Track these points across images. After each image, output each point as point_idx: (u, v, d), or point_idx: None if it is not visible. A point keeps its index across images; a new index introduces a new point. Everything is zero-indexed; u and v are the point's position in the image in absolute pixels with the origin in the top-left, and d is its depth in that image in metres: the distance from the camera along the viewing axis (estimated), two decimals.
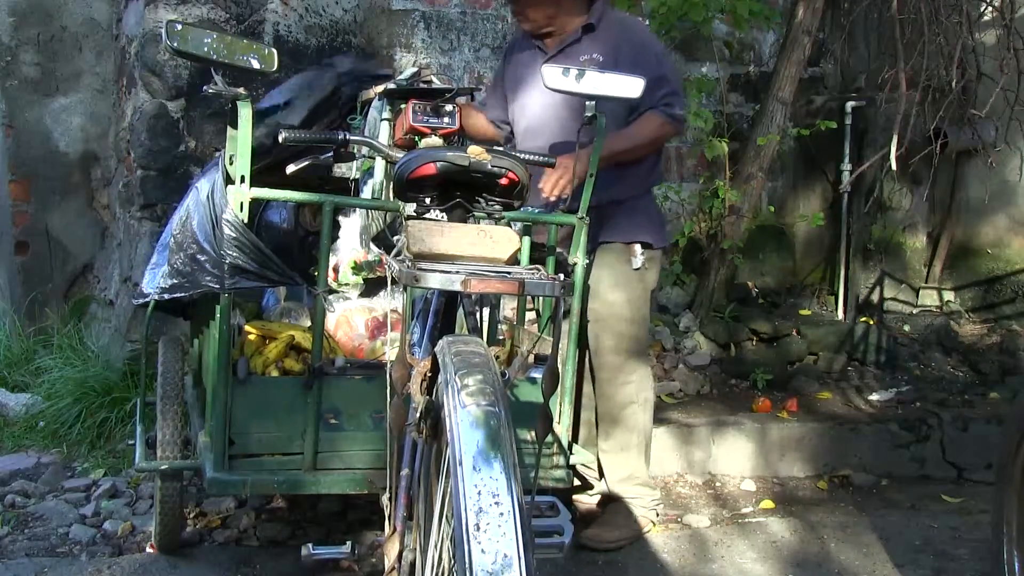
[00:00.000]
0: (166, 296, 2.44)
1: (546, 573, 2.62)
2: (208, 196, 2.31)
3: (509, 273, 1.60)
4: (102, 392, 3.72)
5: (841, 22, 4.81)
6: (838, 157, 4.96)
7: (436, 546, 1.54)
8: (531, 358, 2.70)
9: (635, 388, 2.93)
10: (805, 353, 4.39)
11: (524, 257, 2.59)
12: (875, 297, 4.99)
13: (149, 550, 2.77)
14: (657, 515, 3.03)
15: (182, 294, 2.37)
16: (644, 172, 2.98)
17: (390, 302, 2.68)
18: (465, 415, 1.36)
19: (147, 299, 2.57)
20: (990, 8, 4.29)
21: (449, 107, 2.42)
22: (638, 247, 2.93)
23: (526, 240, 2.61)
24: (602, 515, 2.97)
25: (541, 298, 2.71)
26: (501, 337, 2.84)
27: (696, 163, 4.80)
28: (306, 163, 2.44)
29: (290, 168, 2.44)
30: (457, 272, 1.53)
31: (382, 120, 2.66)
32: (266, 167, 2.58)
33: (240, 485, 2.33)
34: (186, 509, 2.91)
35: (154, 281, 2.55)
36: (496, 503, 1.28)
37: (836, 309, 4.92)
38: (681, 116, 2.94)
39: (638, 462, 2.96)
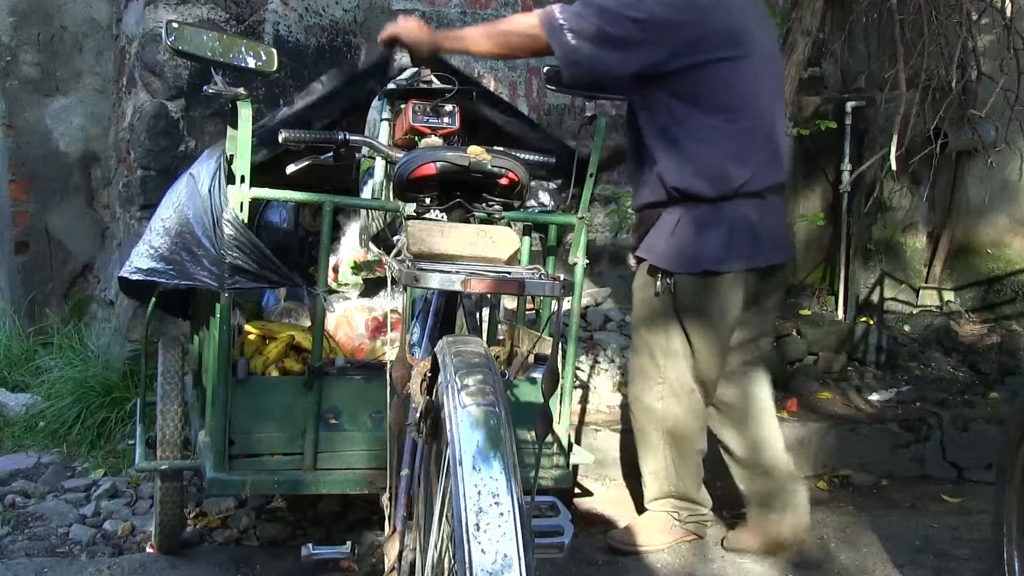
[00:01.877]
0: (137, 277, 2.41)
1: (546, 573, 2.62)
2: (209, 191, 2.31)
3: (509, 273, 1.60)
4: (102, 392, 3.72)
5: (841, 22, 4.81)
6: (838, 157, 4.95)
7: (436, 546, 1.54)
8: (531, 358, 2.70)
9: (642, 412, 2.78)
10: (805, 353, 4.39)
11: (524, 257, 2.59)
12: (875, 297, 5.00)
13: (149, 550, 2.77)
14: (704, 527, 2.91)
15: (165, 280, 2.36)
16: (664, 172, 2.57)
17: (390, 302, 2.68)
18: (465, 415, 1.36)
19: (122, 276, 2.54)
20: (990, 8, 4.29)
21: (449, 107, 2.42)
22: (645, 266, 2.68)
23: (526, 240, 2.61)
24: (638, 520, 2.92)
25: (541, 298, 2.71)
26: (501, 337, 2.84)
27: None
28: (306, 163, 2.44)
29: (290, 168, 2.44)
30: (457, 272, 1.53)
31: (382, 120, 2.66)
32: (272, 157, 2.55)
33: (240, 485, 2.33)
34: (186, 509, 2.91)
35: (130, 260, 2.52)
36: (496, 503, 1.28)
37: (836, 309, 4.92)
38: (551, 19, 2.40)
39: (661, 483, 2.81)
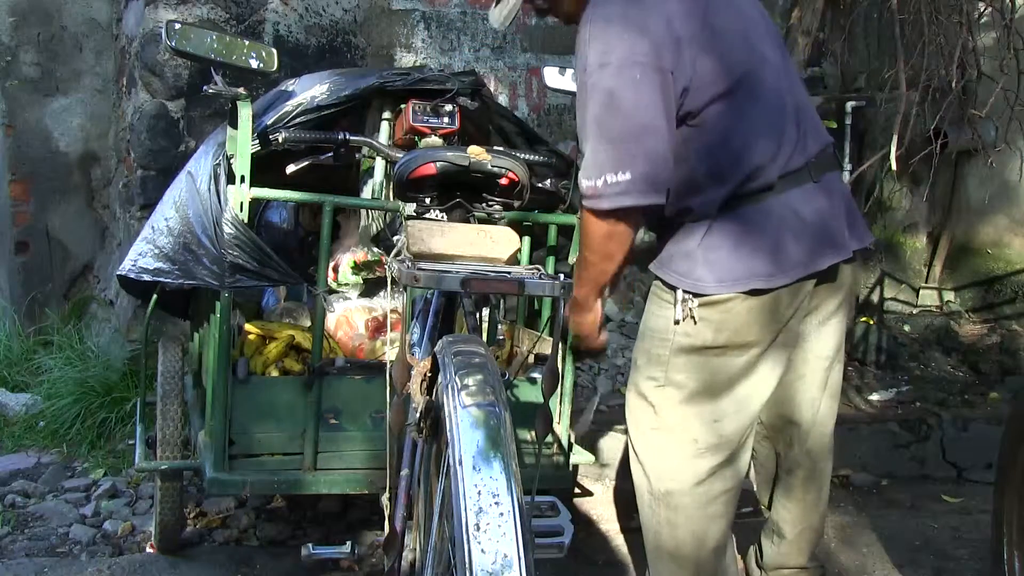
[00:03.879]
0: (145, 278, 2.42)
1: (546, 573, 2.62)
2: (208, 190, 2.31)
3: (509, 273, 1.60)
4: (102, 392, 3.72)
5: (841, 22, 4.81)
6: (838, 157, 4.95)
7: (436, 546, 1.54)
8: (531, 358, 2.70)
9: (638, 476, 2.07)
10: None
11: (524, 257, 2.59)
12: (875, 297, 4.99)
13: (149, 550, 2.77)
14: None
15: (169, 280, 2.36)
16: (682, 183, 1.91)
17: (390, 302, 2.68)
18: (465, 415, 1.36)
19: (125, 274, 2.53)
20: (990, 8, 4.29)
21: (449, 107, 2.43)
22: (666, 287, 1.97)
23: (526, 240, 2.61)
24: None
25: (541, 298, 2.71)
26: (501, 337, 2.83)
27: None
28: (306, 163, 2.44)
29: (290, 168, 2.44)
30: (457, 272, 1.53)
31: (382, 120, 2.66)
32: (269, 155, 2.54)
33: (240, 485, 2.33)
34: (186, 509, 2.91)
35: (133, 258, 2.51)
36: (496, 503, 1.28)
37: None
38: (592, 192, 1.81)
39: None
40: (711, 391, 1.95)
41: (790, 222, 1.92)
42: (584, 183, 1.82)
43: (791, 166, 1.93)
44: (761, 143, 1.90)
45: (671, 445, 1.97)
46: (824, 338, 2.13)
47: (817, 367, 2.14)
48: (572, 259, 2.61)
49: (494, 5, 2.03)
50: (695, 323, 1.91)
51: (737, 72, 1.88)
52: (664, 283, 1.96)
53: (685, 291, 1.91)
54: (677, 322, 1.92)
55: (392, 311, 2.62)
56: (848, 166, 4.90)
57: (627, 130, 1.79)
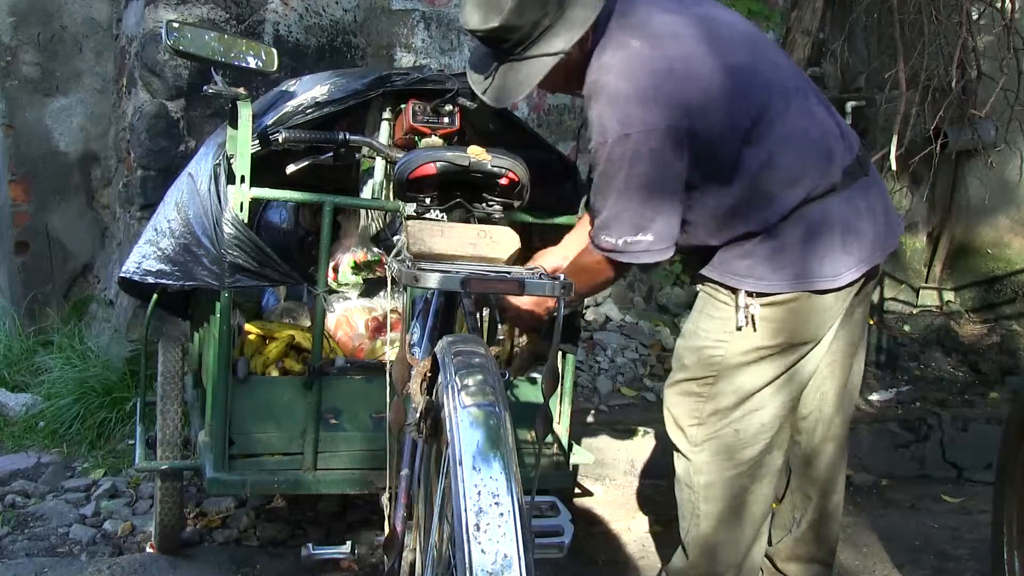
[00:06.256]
0: (149, 280, 2.42)
1: (546, 573, 2.62)
2: (208, 191, 2.31)
3: (509, 273, 1.60)
4: (102, 392, 3.72)
5: (841, 22, 4.81)
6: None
7: (436, 546, 1.54)
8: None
9: (680, 468, 2.11)
10: None
11: None
12: (875, 297, 5.00)
13: (149, 550, 2.77)
14: None
15: (170, 282, 2.36)
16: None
17: (390, 302, 2.68)
18: (465, 415, 1.36)
19: (128, 276, 2.53)
20: (990, 8, 4.29)
21: (449, 107, 2.43)
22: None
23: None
24: None
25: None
26: (501, 337, 2.83)
27: None
28: (306, 163, 2.44)
29: (290, 168, 2.44)
30: (457, 272, 1.53)
31: (382, 120, 2.66)
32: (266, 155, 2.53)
33: (240, 485, 2.33)
34: (186, 509, 2.91)
35: (136, 260, 2.51)
36: (496, 503, 1.28)
37: None
38: (610, 247, 1.90)
39: (683, 556, 2.13)
40: (758, 386, 1.99)
41: (852, 219, 1.94)
42: (606, 239, 1.90)
43: (845, 162, 1.96)
44: (812, 157, 1.93)
45: (713, 437, 2.02)
46: (852, 326, 2.13)
47: (847, 354, 2.16)
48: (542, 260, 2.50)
49: (483, 78, 1.97)
50: (755, 329, 1.93)
51: (762, 102, 1.91)
52: (722, 285, 1.97)
53: (748, 292, 1.92)
54: (739, 328, 1.94)
55: (392, 311, 2.62)
56: None
57: (647, 196, 1.86)
